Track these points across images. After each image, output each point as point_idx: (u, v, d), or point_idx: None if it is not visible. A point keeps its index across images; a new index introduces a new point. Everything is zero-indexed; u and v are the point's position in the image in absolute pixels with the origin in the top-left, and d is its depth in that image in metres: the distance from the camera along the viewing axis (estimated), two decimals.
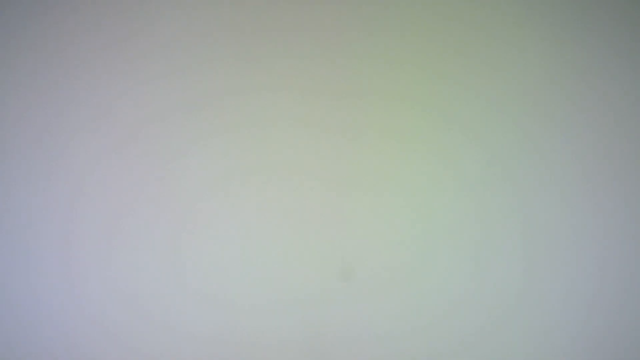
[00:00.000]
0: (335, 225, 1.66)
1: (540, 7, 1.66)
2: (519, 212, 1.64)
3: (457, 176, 1.65)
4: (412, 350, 1.63)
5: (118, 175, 1.68)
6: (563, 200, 1.64)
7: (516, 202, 1.64)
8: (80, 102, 1.69)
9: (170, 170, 1.67)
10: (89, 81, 1.69)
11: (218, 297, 1.66)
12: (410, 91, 1.66)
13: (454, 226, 1.64)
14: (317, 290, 1.65)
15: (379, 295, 1.64)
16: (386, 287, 1.64)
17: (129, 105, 1.68)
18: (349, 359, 1.64)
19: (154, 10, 1.69)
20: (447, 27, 1.66)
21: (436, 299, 1.64)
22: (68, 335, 1.67)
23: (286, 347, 1.65)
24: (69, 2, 1.70)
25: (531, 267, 1.63)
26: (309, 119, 1.66)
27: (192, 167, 1.67)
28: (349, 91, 1.66)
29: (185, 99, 1.68)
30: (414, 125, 1.66)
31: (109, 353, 1.66)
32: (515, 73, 1.65)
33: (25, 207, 1.68)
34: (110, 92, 1.69)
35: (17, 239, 1.68)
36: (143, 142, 1.68)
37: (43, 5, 1.70)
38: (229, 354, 1.65)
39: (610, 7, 1.65)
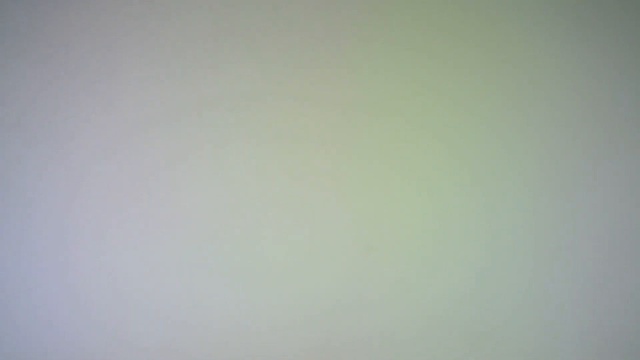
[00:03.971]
0: (339, 227, 1.66)
1: (538, 12, 1.67)
2: (527, 208, 1.64)
3: (460, 177, 1.66)
4: (423, 349, 1.64)
5: (116, 171, 1.68)
6: (572, 197, 1.64)
7: (524, 198, 1.65)
8: (82, 98, 1.69)
9: (170, 168, 1.68)
10: (88, 79, 1.70)
11: (218, 293, 1.66)
12: (413, 91, 1.67)
13: (462, 228, 1.65)
14: (324, 287, 1.66)
15: (388, 293, 1.65)
16: (392, 285, 1.65)
17: (130, 102, 1.69)
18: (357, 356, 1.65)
19: (157, 13, 1.70)
20: (444, 36, 1.67)
21: (448, 298, 1.64)
22: (63, 329, 1.67)
23: (295, 346, 1.65)
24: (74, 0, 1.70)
25: (540, 260, 1.64)
26: (313, 123, 1.67)
27: (192, 165, 1.68)
28: (353, 95, 1.68)
29: (184, 100, 1.69)
30: (419, 126, 1.67)
31: (104, 347, 1.66)
32: (513, 78, 1.66)
33: (22, 202, 1.68)
34: (110, 91, 1.69)
35: (13, 233, 1.68)
36: (142, 138, 1.68)
37: (47, 3, 1.70)
38: (228, 349, 1.66)
39: (606, 8, 1.67)
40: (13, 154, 1.68)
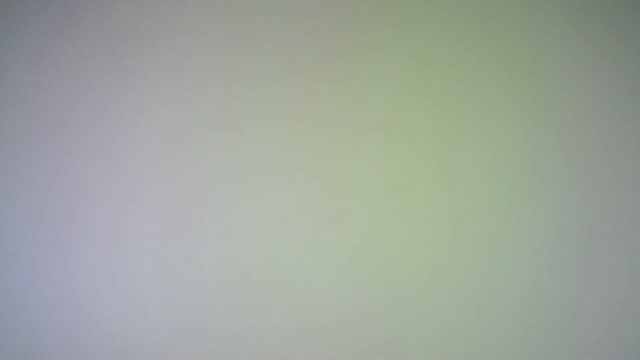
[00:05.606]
0: (338, 226, 1.67)
1: (540, 17, 1.67)
2: (520, 213, 1.64)
3: (458, 179, 1.66)
4: (405, 349, 1.65)
5: (127, 177, 1.70)
6: (567, 200, 1.64)
7: (518, 202, 1.64)
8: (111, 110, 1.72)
9: (179, 174, 1.69)
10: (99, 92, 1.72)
11: (225, 300, 1.67)
12: (412, 90, 1.67)
13: (454, 229, 1.65)
14: (317, 285, 1.66)
15: (381, 293, 1.65)
16: (388, 284, 1.65)
17: (128, 119, 1.71)
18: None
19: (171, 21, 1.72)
20: (445, 41, 1.67)
21: (438, 299, 1.65)
22: (69, 335, 1.68)
23: (302, 351, 1.66)
24: (109, 10, 1.74)
25: (530, 267, 1.63)
26: (314, 124, 1.68)
27: (201, 170, 1.69)
28: (360, 100, 1.68)
29: (192, 109, 1.70)
30: (416, 127, 1.67)
31: (114, 352, 1.68)
32: (504, 80, 1.66)
33: (33, 213, 1.70)
34: (125, 113, 1.71)
35: (24, 241, 1.70)
36: (152, 143, 1.70)
37: (81, 9, 1.74)
38: (236, 353, 1.67)
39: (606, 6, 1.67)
40: (23, 164, 1.70)
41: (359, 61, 1.67)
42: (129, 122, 1.70)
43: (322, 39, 1.69)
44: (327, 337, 1.65)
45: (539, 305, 1.62)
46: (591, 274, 1.62)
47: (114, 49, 1.71)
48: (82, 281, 1.68)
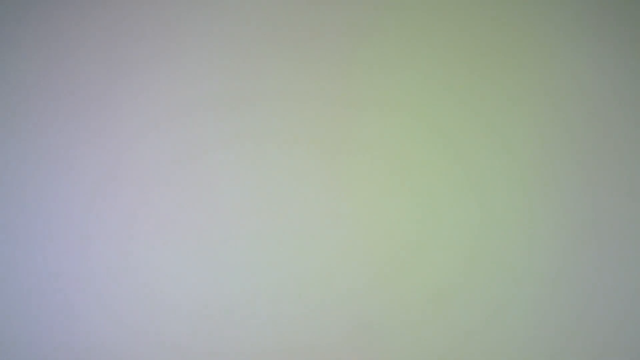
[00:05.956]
0: (339, 225, 1.67)
1: (546, 12, 1.67)
2: (524, 211, 1.65)
3: (460, 176, 1.66)
4: (405, 346, 1.65)
5: (140, 167, 1.69)
6: (572, 199, 1.64)
7: (525, 199, 1.65)
8: (88, 107, 1.71)
9: (195, 166, 1.69)
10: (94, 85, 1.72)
11: (240, 289, 1.68)
12: (414, 92, 1.68)
13: (457, 227, 1.65)
14: (318, 286, 1.67)
15: (386, 290, 1.66)
16: (391, 281, 1.66)
17: (137, 108, 1.70)
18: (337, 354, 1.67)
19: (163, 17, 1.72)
20: (447, 34, 1.67)
21: (438, 293, 1.65)
22: (86, 325, 1.68)
23: (312, 341, 1.67)
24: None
25: (532, 265, 1.64)
26: (317, 123, 1.68)
27: (206, 168, 1.69)
28: (353, 96, 1.68)
29: (189, 104, 1.70)
30: (418, 126, 1.67)
31: (128, 344, 1.68)
32: (514, 74, 1.66)
33: (45, 207, 1.69)
34: (118, 94, 1.71)
35: (35, 237, 1.69)
36: (157, 140, 1.70)
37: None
38: (245, 345, 1.68)
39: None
40: (34, 159, 1.70)
41: (361, 67, 1.68)
42: (143, 118, 1.70)
43: (333, 30, 1.69)
44: (325, 321, 1.67)
45: (542, 297, 1.64)
46: (601, 271, 1.64)
47: (126, 48, 1.72)
48: (98, 278, 1.68)
